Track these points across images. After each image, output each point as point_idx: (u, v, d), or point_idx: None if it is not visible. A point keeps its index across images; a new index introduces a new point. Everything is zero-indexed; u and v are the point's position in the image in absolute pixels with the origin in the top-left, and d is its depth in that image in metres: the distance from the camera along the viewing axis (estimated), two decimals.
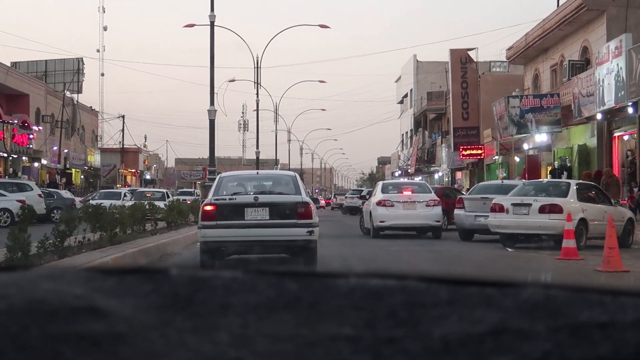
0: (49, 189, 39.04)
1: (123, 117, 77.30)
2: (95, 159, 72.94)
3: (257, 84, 58.37)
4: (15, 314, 0.77)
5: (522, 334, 0.75)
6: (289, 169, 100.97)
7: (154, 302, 0.82)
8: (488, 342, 0.74)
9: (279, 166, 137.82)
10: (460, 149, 43.20)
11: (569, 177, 30.17)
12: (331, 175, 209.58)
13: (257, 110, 58.50)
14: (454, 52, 46.79)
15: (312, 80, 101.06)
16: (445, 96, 58.46)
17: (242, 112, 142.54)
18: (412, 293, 0.84)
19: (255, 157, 65.44)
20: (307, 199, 13.29)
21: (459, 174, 57.20)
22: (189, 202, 35.86)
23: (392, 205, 22.59)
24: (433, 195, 23.48)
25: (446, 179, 58.76)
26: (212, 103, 32.22)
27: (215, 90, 33.02)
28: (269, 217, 12.71)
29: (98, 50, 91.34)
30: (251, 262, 13.73)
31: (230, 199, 12.84)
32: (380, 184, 25.70)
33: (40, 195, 32.23)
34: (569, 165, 32.59)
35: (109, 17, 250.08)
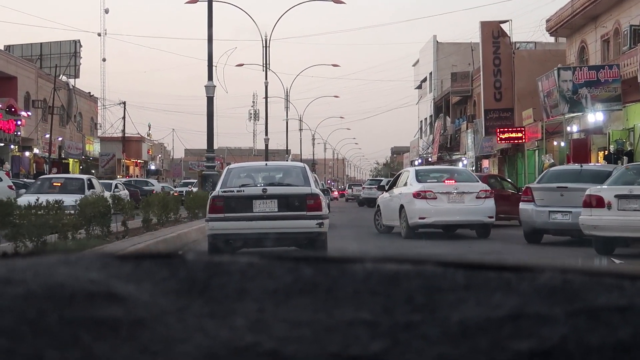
0: (25, 180, 34.35)
1: (124, 103, 72.64)
2: (94, 148, 68.35)
3: (266, 66, 53.67)
4: (33, 299, 0.77)
5: (540, 319, 0.75)
6: (301, 160, 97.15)
7: (171, 287, 0.82)
8: (506, 326, 0.74)
9: (290, 156, 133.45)
10: (498, 132, 38.16)
11: (631, 162, 25.24)
12: (344, 166, 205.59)
13: (266, 95, 53.81)
14: (484, 25, 41.81)
15: (325, 64, 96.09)
16: (472, 77, 53.52)
17: (253, 102, 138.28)
18: (429, 278, 0.83)
19: (270, 149, 61.26)
20: (317, 191, 13.06)
21: (485, 162, 52.26)
22: (176, 194, 30.96)
23: (435, 198, 17.87)
24: (483, 185, 19.01)
25: (471, 168, 53.83)
26: (210, 78, 27.47)
27: (215, 63, 28.27)
28: (277, 209, 12.52)
29: (99, 34, 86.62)
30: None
31: (238, 191, 12.64)
32: (412, 170, 20.38)
33: (11, 187, 27.72)
34: (629, 149, 27.63)
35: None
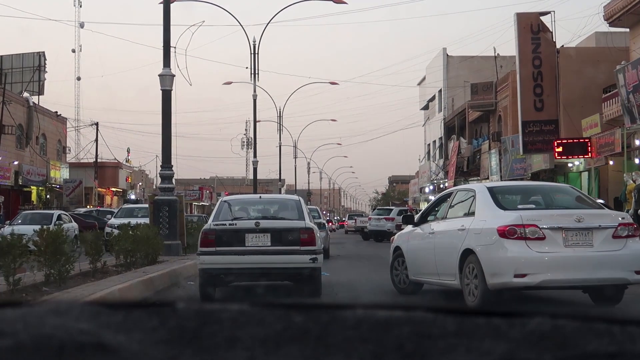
0: None
1: (97, 124, 64.69)
2: (62, 174, 60.24)
3: (254, 75, 45.80)
4: (22, 351, 0.76)
5: None
6: (295, 190, 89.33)
7: (161, 337, 0.81)
8: None
9: (284, 186, 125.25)
10: (555, 145, 30.06)
11: None
12: (339, 196, 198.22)
13: (254, 110, 45.88)
14: (521, 18, 33.94)
15: (322, 81, 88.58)
16: (496, 88, 45.64)
17: (245, 129, 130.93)
18: (419, 324, 0.83)
19: (258, 177, 53.66)
20: (311, 225, 12.63)
21: None
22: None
23: (543, 238, 10.09)
24: (621, 215, 11.38)
25: None
26: (166, 64, 19.46)
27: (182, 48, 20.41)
28: (270, 243, 12.23)
29: (73, 51, 78.80)
30: (257, 293, 12.76)
31: (230, 224, 12.33)
32: (481, 189, 11.63)
33: None
34: None
35: (86, 13, 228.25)
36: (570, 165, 35.46)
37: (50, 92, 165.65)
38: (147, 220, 19.26)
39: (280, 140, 66.99)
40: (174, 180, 19.61)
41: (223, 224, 12.31)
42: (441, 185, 60.24)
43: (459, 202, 11.72)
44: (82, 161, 69.43)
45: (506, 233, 9.94)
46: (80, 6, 77.93)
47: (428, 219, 12.53)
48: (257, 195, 16.44)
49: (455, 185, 52.87)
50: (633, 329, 0.82)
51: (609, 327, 0.82)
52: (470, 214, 10.97)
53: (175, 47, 20.20)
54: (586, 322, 0.83)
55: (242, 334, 0.81)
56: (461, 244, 10.66)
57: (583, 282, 10.26)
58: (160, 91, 19.29)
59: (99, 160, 70.31)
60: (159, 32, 19.75)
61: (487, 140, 47.99)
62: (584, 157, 30.33)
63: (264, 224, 12.34)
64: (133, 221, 18.04)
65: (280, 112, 64.52)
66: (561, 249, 9.94)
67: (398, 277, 13.13)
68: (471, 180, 53.03)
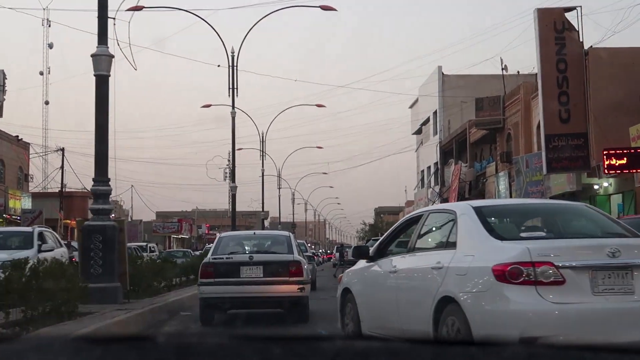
0: None
1: (62, 150, 59.34)
2: (23, 204, 54.83)
3: (232, 89, 40.65)
4: None
5: None
6: (280, 222, 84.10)
7: None
8: None
9: (268, 218, 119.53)
10: (604, 155, 24.83)
11: None
12: (324, 228, 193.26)
13: (233, 126, 40.75)
14: (543, 15, 29.02)
15: (308, 104, 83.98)
16: (503, 102, 40.70)
17: (228, 160, 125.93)
18: (397, 354, 0.83)
19: (241, 209, 48.61)
20: (299, 258, 13.84)
21: None
22: (74, 259, 17.82)
23: (562, 282, 6.98)
24: None
25: None
26: (102, 41, 14.33)
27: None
28: (262, 274, 13.34)
29: (41, 73, 73.53)
30: (240, 323, 13.98)
31: (227, 258, 13.56)
32: (466, 210, 8.28)
33: None
34: None
35: (55, 33, 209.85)
36: (596, 187, 30.45)
37: (19, 117, 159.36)
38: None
39: (263, 167, 61.95)
40: (109, 199, 14.26)
41: (221, 258, 13.64)
42: None
43: (433, 229, 8.93)
44: (48, 191, 64.10)
45: (507, 275, 7.06)
46: (49, 26, 72.86)
47: (389, 251, 9.60)
48: (252, 232, 18.57)
49: None
50: (605, 357, 0.79)
51: (581, 353, 0.82)
52: (450, 245, 8.13)
53: (115, 19, 15.08)
54: (560, 350, 0.83)
55: None
56: (437, 290, 7.80)
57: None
58: (94, 77, 14.10)
59: (66, 189, 64.99)
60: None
61: (494, 162, 42.95)
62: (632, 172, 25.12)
63: (257, 257, 13.70)
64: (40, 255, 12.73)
65: (262, 137, 59.54)
66: (589, 298, 7.02)
67: (348, 326, 10.10)
68: None
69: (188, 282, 23.98)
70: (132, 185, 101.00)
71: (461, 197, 46.65)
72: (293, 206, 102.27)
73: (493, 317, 7.03)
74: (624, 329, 6.91)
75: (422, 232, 8.98)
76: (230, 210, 40.91)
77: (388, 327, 8.85)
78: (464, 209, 8.33)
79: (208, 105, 52.83)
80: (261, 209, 68.34)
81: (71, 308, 11.15)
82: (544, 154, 29.20)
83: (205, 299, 13.35)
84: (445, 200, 52.82)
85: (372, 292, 9.58)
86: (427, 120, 65.03)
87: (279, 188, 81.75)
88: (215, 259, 13.59)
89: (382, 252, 9.61)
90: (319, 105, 62.72)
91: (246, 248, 14.77)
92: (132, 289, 15.38)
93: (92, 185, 14.22)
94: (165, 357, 0.84)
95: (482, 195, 44.62)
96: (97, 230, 13.81)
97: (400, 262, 8.99)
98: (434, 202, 55.92)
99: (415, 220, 9.36)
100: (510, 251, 7.25)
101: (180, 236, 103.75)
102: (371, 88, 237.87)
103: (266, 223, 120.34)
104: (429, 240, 8.95)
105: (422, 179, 67.28)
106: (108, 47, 14.24)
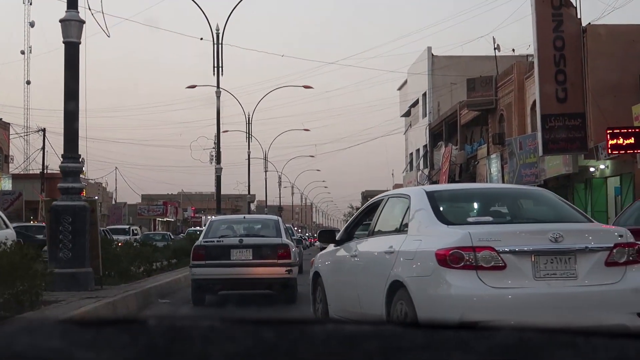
0: None
1: (44, 130, 57.99)
2: (2, 185, 53.57)
3: (217, 69, 39.58)
4: None
5: None
6: (266, 205, 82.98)
7: (131, 354, 0.82)
8: None
9: (254, 202, 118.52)
10: (608, 134, 23.74)
11: None
12: (311, 212, 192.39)
13: (218, 107, 39.68)
14: None
15: (295, 85, 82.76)
16: (496, 83, 39.66)
17: (215, 142, 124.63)
18: (388, 338, 0.83)
19: (228, 192, 47.49)
20: (287, 241, 14.32)
21: None
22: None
23: (503, 266, 6.97)
24: (620, 231, 7.66)
25: None
26: (72, 5, 13.21)
27: None
28: (252, 257, 13.84)
29: (23, 52, 72.02)
30: (232, 305, 14.22)
31: (218, 241, 14.06)
32: (416, 194, 8.31)
33: None
34: None
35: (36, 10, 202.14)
36: (592, 169, 29.49)
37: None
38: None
39: (249, 149, 60.81)
40: (79, 178, 13.17)
41: (212, 241, 14.11)
42: None
43: (390, 213, 8.88)
44: (30, 172, 62.78)
45: (448, 260, 7.14)
46: (30, 4, 71.30)
47: (354, 235, 9.62)
48: (242, 216, 20.06)
49: None
50: (596, 340, 0.83)
51: (573, 338, 0.83)
52: (403, 229, 8.21)
53: None
54: (551, 334, 0.84)
55: (212, 350, 0.81)
56: (389, 273, 7.85)
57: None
58: (64, 45, 12.96)
59: (48, 170, 63.67)
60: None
61: (485, 144, 41.96)
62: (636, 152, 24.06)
63: (247, 240, 14.16)
64: None
65: (249, 118, 58.38)
66: (530, 283, 7.13)
67: (317, 312, 10.21)
68: None
69: (170, 266, 22.93)
70: (116, 167, 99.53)
71: (451, 180, 45.67)
72: (280, 189, 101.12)
73: (435, 301, 7.10)
74: (566, 313, 6.95)
75: (380, 217, 8.98)
76: (215, 191, 39.81)
77: (350, 311, 8.92)
78: (417, 194, 8.32)
79: (193, 86, 51.62)
80: (247, 192, 67.19)
81: (34, 296, 10.06)
82: (540, 135, 28.19)
83: (196, 280, 13.87)
84: (435, 182, 51.87)
85: (336, 276, 9.68)
86: (416, 102, 63.99)
87: (266, 171, 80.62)
88: (206, 242, 14.17)
89: (348, 236, 9.60)
90: (306, 87, 61.79)
91: (236, 231, 15.31)
92: (106, 275, 14.30)
93: (61, 162, 13.10)
94: (157, 339, 0.83)
95: (473, 179, 43.65)
96: (67, 211, 12.69)
97: (360, 246, 9.07)
98: (424, 183, 54.99)
99: (377, 204, 9.31)
100: (452, 236, 7.26)
101: (165, 219, 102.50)
102: (360, 65, 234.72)
103: (253, 206, 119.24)
104: (386, 224, 8.85)
105: (411, 162, 66.28)
106: (78, 12, 13.10)
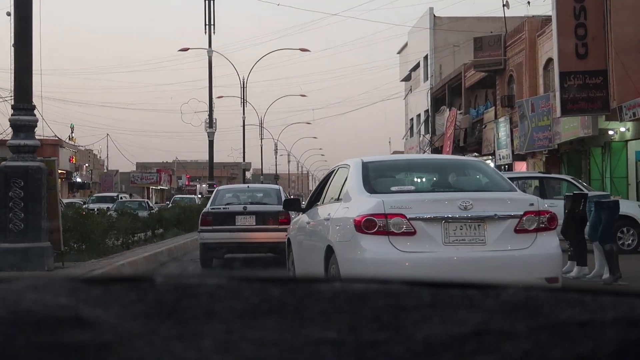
0: None
1: None
2: None
3: (209, 26, 37.45)
4: (0, 325, 0.78)
5: (504, 334, 0.77)
6: (262, 173, 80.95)
7: (139, 311, 0.83)
8: (470, 343, 0.76)
9: (250, 170, 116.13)
10: None
11: None
12: (307, 180, 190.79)
13: (210, 66, 37.53)
14: None
15: (290, 48, 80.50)
16: (505, 42, 37.37)
17: (210, 108, 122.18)
18: (395, 296, 0.85)
19: (223, 160, 45.45)
20: None
21: (520, 165, 36.16)
22: None
23: (413, 232, 7.54)
24: (530, 199, 8.14)
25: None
26: None
27: None
28: (255, 223, 14.97)
29: (9, 14, 69.33)
30: (239, 265, 15.52)
31: (224, 208, 15.23)
32: (354, 165, 8.77)
33: None
34: None
35: None
36: (611, 132, 27.34)
37: None
38: None
39: (244, 115, 58.66)
40: (30, 125, 11.02)
41: (218, 208, 15.40)
42: None
43: (336, 182, 9.33)
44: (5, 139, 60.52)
45: (362, 226, 7.60)
46: None
47: (318, 203, 9.94)
48: (246, 185, 22.24)
49: None
50: (603, 299, 0.84)
51: (581, 296, 0.84)
52: (340, 197, 8.75)
53: None
54: (559, 292, 0.86)
55: (219, 307, 0.82)
56: (325, 239, 8.46)
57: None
58: None
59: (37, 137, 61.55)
60: None
61: (493, 107, 39.72)
62: None
63: (250, 208, 15.38)
64: None
65: (243, 83, 56.13)
66: (439, 248, 7.57)
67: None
68: (472, 157, 44.97)
69: (155, 237, 20.85)
70: (107, 134, 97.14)
71: (456, 145, 43.53)
72: (276, 157, 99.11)
73: (353, 264, 7.64)
74: (473, 276, 7.15)
75: (329, 186, 9.53)
76: (208, 157, 37.69)
77: (307, 271, 9.49)
78: (355, 164, 8.72)
79: (186, 49, 49.65)
80: (242, 160, 65.10)
81: None
82: (558, 94, 25.94)
83: (205, 244, 15.00)
84: (436, 149, 49.75)
85: (297, 242, 10.24)
86: (417, 66, 61.63)
87: (261, 138, 78.44)
88: (213, 209, 15.38)
89: (310, 204, 10.06)
90: (302, 50, 59.56)
91: (241, 199, 16.43)
92: (72, 250, 12.19)
93: (12, 114, 10.92)
94: (165, 296, 0.85)
95: (479, 143, 41.51)
96: (18, 173, 10.54)
97: (313, 213, 9.61)
98: (425, 152, 52.77)
99: (331, 173, 9.86)
100: (368, 204, 7.75)
101: (159, 187, 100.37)
102: (362, 17, 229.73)
103: (249, 175, 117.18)
104: (331, 192, 9.32)
105: (411, 128, 64.02)
106: None
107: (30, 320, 0.77)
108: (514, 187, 8.49)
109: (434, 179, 9.02)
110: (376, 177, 8.51)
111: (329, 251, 8.19)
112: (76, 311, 0.80)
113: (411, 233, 7.50)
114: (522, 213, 7.67)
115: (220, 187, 18.47)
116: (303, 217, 10.20)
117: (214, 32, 37.30)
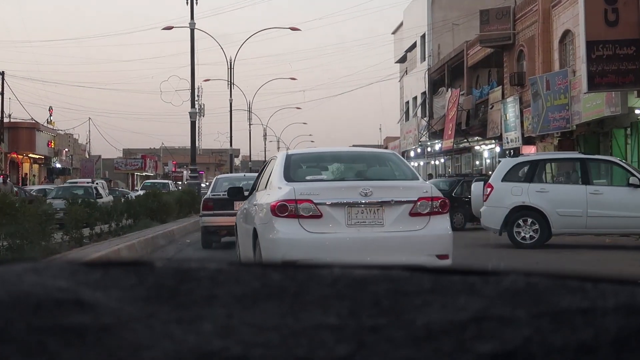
0: None
1: (2, 74, 52.36)
2: None
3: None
4: (0, 308, 0.78)
5: (504, 321, 0.78)
6: (250, 160, 77.87)
7: (139, 294, 0.84)
8: (470, 328, 0.77)
9: (239, 157, 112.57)
10: None
11: None
12: None
13: (192, 38, 34.30)
14: None
15: (280, 27, 77.18)
16: (514, 14, 34.31)
17: (198, 95, 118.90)
18: (396, 282, 0.86)
19: (211, 146, 42.38)
20: None
21: (528, 149, 33.09)
22: None
23: (319, 215, 8.94)
24: (426, 187, 9.46)
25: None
26: None
27: None
28: None
29: None
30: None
31: (223, 195, 15.76)
32: (281, 157, 10.01)
33: None
34: None
35: None
36: (638, 111, 24.37)
37: None
38: None
39: (231, 97, 55.51)
40: None
41: (218, 194, 16.76)
42: (429, 149, 48.97)
43: (268, 171, 10.39)
44: None
45: (276, 210, 8.85)
46: None
47: (255, 191, 10.96)
48: (242, 174, 24.12)
49: (454, 147, 41.58)
50: (605, 286, 0.85)
51: (582, 284, 0.84)
52: (266, 186, 9.98)
53: None
54: (559, 279, 0.86)
55: (219, 292, 0.83)
56: (252, 223, 9.72)
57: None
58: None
59: (11, 119, 58.16)
60: None
61: (500, 87, 36.67)
62: None
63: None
64: None
65: (231, 63, 52.99)
66: (342, 229, 8.86)
67: (238, 255, 11.90)
68: (471, 141, 41.89)
69: (121, 230, 17.81)
70: (89, 118, 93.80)
71: (459, 128, 40.51)
72: (265, 143, 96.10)
73: (269, 244, 8.89)
74: (372, 253, 8.72)
75: (263, 174, 10.77)
76: (190, 141, 34.54)
77: (247, 256, 10.41)
78: (281, 156, 9.99)
79: (170, 28, 46.59)
80: (230, 145, 61.94)
81: None
82: (584, 66, 22.87)
83: (206, 227, 16.41)
84: (435, 133, 46.78)
85: (238, 227, 11.54)
86: (413, 46, 58.51)
87: (250, 124, 75.43)
88: (214, 195, 17.00)
89: (251, 192, 11.10)
90: (293, 29, 56.61)
91: (239, 185, 17.59)
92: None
93: None
94: (164, 281, 0.85)
95: (484, 126, 38.49)
96: None
97: (249, 200, 10.83)
98: (422, 137, 49.78)
99: (266, 165, 11.09)
100: (282, 191, 8.95)
101: (144, 173, 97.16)
102: None
103: (237, 161, 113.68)
104: (262, 181, 10.40)
105: (407, 111, 60.92)
106: None
107: (30, 302, 0.77)
108: (416, 176, 9.63)
109: (347, 169, 10.12)
110: (296, 167, 9.60)
111: (254, 234, 9.38)
112: (76, 294, 0.80)
113: (318, 216, 8.76)
114: (416, 199, 8.92)
115: (219, 176, 20.14)
116: (243, 204, 11.47)
117: (196, 3, 34.13)
